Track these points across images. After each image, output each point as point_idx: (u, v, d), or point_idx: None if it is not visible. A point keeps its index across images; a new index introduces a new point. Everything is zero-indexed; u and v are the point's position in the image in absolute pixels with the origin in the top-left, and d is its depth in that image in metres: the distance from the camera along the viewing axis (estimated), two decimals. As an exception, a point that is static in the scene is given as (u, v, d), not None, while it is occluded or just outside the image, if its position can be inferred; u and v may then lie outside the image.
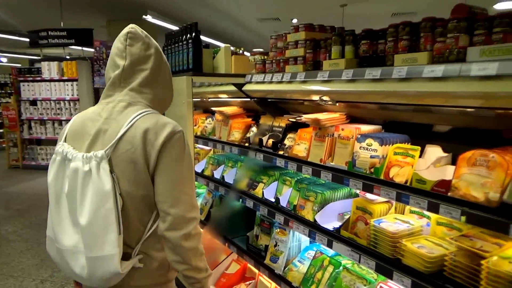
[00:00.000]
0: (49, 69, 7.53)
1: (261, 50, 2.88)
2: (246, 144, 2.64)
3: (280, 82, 2.29)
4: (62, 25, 8.29)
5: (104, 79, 7.29)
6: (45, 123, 7.70)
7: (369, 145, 1.80)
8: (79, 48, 7.95)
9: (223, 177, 2.85)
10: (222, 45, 2.69)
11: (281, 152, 2.35)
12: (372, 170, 1.74)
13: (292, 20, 10.23)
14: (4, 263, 3.61)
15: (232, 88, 2.73)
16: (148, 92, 1.35)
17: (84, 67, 7.41)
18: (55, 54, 9.86)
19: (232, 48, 2.67)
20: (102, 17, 10.04)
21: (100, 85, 7.36)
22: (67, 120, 7.55)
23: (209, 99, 3.67)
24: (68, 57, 7.88)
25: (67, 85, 7.45)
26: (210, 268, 1.37)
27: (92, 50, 7.46)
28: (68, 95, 7.48)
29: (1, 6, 8.44)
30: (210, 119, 3.40)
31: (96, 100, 7.74)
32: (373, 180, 1.66)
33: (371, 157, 1.77)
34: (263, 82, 2.45)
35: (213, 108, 3.21)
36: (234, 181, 2.73)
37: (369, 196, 1.84)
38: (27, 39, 8.12)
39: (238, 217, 2.77)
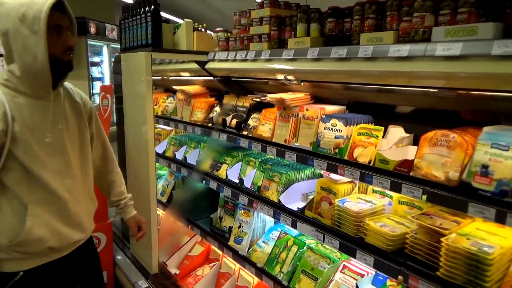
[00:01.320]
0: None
1: (202, 23, 2.78)
2: (209, 125, 2.57)
3: (244, 60, 2.22)
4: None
5: None
6: None
7: (333, 126, 1.79)
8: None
9: (185, 158, 2.77)
10: (180, 21, 2.57)
11: (245, 133, 2.30)
12: (336, 150, 1.74)
13: (256, -2, 10.06)
14: None
15: (194, 66, 2.62)
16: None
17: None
18: None
19: (194, 24, 2.55)
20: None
21: (52, 61, 6.92)
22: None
23: (170, 78, 3.53)
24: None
25: (15, 60, 6.94)
26: (173, 251, 1.51)
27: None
28: (17, 71, 6.98)
29: None
30: (171, 98, 3.28)
31: (48, 78, 7.29)
32: (338, 160, 1.66)
33: (336, 137, 1.76)
34: (226, 60, 2.37)
35: (175, 87, 3.09)
36: (197, 162, 2.66)
37: (333, 176, 1.85)
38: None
39: (201, 199, 2.72)
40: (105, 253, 2.63)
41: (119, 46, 8.88)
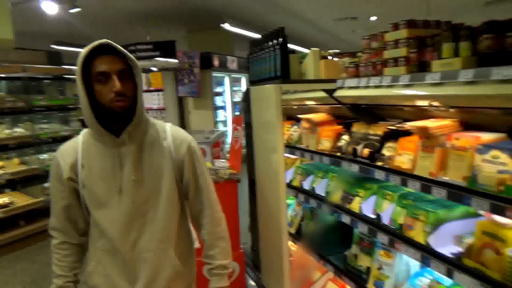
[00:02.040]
0: (138, 81, 8.04)
1: (337, 51, 2.68)
2: (338, 154, 2.46)
3: (378, 86, 2.07)
4: (148, 38, 8.82)
5: (186, 88, 7.57)
6: (135, 131, 8.24)
7: (495, 158, 1.52)
8: (163, 59, 8.38)
9: (313, 188, 2.70)
10: (295, 47, 2.55)
11: (379, 163, 2.13)
12: (501, 188, 1.46)
13: (370, 18, 9.74)
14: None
15: (321, 94, 2.57)
16: None
17: (169, 78, 7.78)
18: (142, 66, 10.57)
19: (320, 52, 2.51)
20: (183, 28, 10.53)
21: (183, 94, 7.67)
22: (154, 128, 7.99)
23: (294, 106, 3.54)
24: (155, 69, 8.38)
25: (153, 95, 7.88)
26: (304, 285, 1.39)
27: (175, 61, 7.80)
28: (155, 104, 7.91)
29: (94, 24, 9.23)
30: (295, 126, 3.27)
31: (180, 108, 8.09)
32: (507, 200, 1.39)
33: (499, 172, 1.49)
34: (357, 87, 2.25)
35: (299, 116, 3.08)
36: (326, 193, 2.57)
37: (498, 218, 1.56)
38: (118, 54, 8.76)
39: (332, 233, 2.60)
40: (238, 283, 2.69)
41: (239, 76, 9.42)
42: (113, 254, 1.40)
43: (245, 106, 2.81)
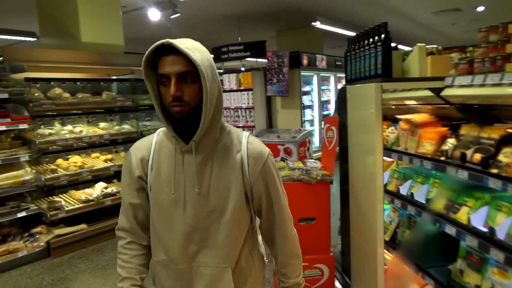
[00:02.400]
0: (229, 81, 8.35)
1: (435, 46, 2.44)
2: (442, 158, 2.25)
3: (499, 84, 1.84)
4: (239, 39, 9.11)
5: (275, 87, 7.65)
6: (225, 129, 8.59)
7: None
8: (253, 59, 8.59)
9: (411, 194, 2.52)
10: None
11: (494, 171, 1.89)
12: None
13: (476, 8, 8.83)
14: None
15: (425, 93, 2.38)
16: None
17: (258, 77, 7.94)
18: (233, 66, 10.98)
19: (427, 48, 2.32)
20: (272, 28, 10.68)
21: (271, 93, 7.76)
22: (244, 127, 8.24)
23: (391, 106, 3.35)
24: (243, 68, 8.64)
25: (243, 94, 8.11)
26: None
27: (264, 60, 7.93)
28: (244, 103, 8.14)
29: (190, 27, 9.81)
30: (392, 127, 3.08)
31: (268, 108, 8.21)
32: None
33: None
34: (470, 85, 2.03)
35: (398, 116, 2.89)
36: (427, 200, 2.37)
37: None
38: (211, 55, 9.21)
39: (432, 244, 2.39)
40: (327, 286, 2.63)
41: (328, 75, 9.24)
42: (169, 265, 1.32)
43: (340, 105, 2.73)
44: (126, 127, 5.32)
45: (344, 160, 2.76)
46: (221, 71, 8.89)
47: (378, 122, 2.23)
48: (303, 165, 2.81)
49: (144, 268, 1.40)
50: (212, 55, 8.28)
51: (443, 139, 2.48)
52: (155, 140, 1.35)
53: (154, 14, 6.97)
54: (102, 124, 5.11)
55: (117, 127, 5.21)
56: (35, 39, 7.60)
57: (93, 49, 5.24)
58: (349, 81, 2.67)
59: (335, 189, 2.84)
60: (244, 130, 1.41)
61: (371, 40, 2.33)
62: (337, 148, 2.80)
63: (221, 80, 8.48)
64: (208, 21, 9.29)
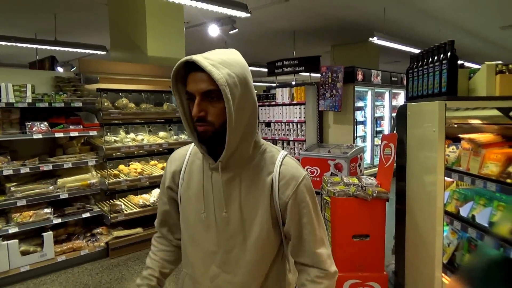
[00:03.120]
0: (282, 94, 8.45)
1: (503, 64, 2.33)
2: (509, 181, 2.15)
3: None
4: (294, 54, 9.22)
5: (328, 102, 7.64)
6: (276, 142, 8.67)
7: None
8: (306, 74, 8.64)
9: (473, 216, 2.42)
10: None
11: None
12: None
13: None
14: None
15: (492, 113, 2.30)
16: None
17: (311, 92, 7.98)
18: (285, 80, 11.10)
19: (497, 66, 2.25)
20: (327, 43, 10.69)
21: (324, 108, 7.75)
22: (294, 141, 8.27)
23: (453, 124, 3.24)
24: (293, 82, 8.71)
25: (295, 108, 8.17)
26: None
27: (318, 75, 7.96)
28: (296, 117, 8.19)
29: (247, 42, 10.08)
30: (453, 146, 2.98)
31: (319, 122, 8.19)
32: None
33: None
34: (543, 106, 1.94)
35: (460, 135, 2.80)
36: (490, 223, 2.27)
37: None
38: (265, 69, 9.40)
39: (496, 269, 2.27)
40: (380, 306, 2.57)
41: (382, 90, 9.06)
42: (194, 281, 1.29)
43: (399, 122, 2.69)
44: (183, 137, 5.56)
45: (401, 178, 2.71)
46: (274, 85, 9.03)
47: (441, 141, 2.18)
48: (358, 181, 2.79)
49: (167, 264, 1.41)
50: (266, 69, 8.40)
51: (509, 160, 2.37)
52: (190, 151, 1.32)
53: (213, 30, 7.28)
54: (161, 134, 5.39)
55: (174, 137, 5.47)
56: (104, 52, 8.22)
57: (157, 63, 5.57)
58: (410, 98, 2.64)
59: (388, 206, 2.79)
60: (282, 149, 1.31)
61: (436, 57, 2.30)
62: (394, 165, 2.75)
63: (274, 94, 8.62)
64: (264, 36, 9.51)
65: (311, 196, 1.23)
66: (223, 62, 1.09)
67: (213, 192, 1.21)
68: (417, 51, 8.68)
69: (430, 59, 2.35)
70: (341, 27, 8.88)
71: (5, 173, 3.76)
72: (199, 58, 1.07)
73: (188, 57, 1.08)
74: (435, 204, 2.25)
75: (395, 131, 2.76)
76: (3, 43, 7.35)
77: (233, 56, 1.14)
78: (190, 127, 1.20)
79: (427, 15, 7.91)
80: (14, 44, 7.47)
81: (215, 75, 1.04)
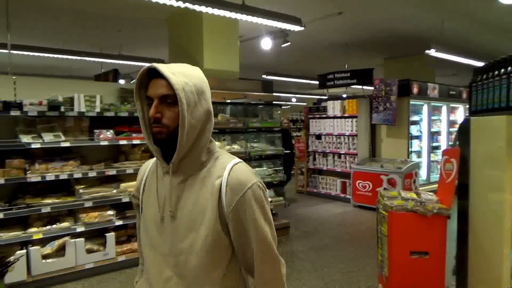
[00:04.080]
0: (333, 107, 8.40)
1: None
2: None
3: None
4: (346, 67, 9.15)
5: (381, 115, 7.48)
6: (326, 155, 8.60)
7: None
8: (359, 86, 8.53)
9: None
10: None
11: None
12: None
13: None
14: (296, 279, 4.13)
15: None
16: None
17: (363, 105, 7.86)
18: (336, 93, 11.02)
19: None
20: (380, 56, 10.49)
21: (377, 121, 7.59)
22: (346, 154, 8.16)
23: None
24: (344, 95, 8.62)
25: (347, 121, 8.08)
26: None
27: (371, 88, 7.83)
28: (347, 130, 8.09)
29: (298, 55, 10.15)
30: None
31: (372, 136, 8.02)
32: None
33: None
34: None
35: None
36: None
37: None
38: (316, 82, 9.40)
39: None
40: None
41: (439, 104, 8.71)
42: (150, 285, 1.30)
43: (461, 137, 2.60)
44: (236, 147, 5.70)
45: (463, 196, 2.60)
46: (325, 97, 8.99)
47: (509, 158, 2.08)
48: (417, 196, 2.72)
49: None
50: (317, 82, 8.40)
51: None
52: (155, 161, 1.35)
53: (266, 43, 7.43)
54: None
55: (227, 147, 5.62)
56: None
57: (213, 75, 5.80)
58: (474, 112, 2.54)
59: (448, 224, 2.69)
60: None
61: (502, 70, 2.21)
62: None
63: (325, 106, 8.58)
64: (316, 48, 9.53)
65: (259, 204, 1.20)
66: (182, 73, 1.18)
67: (165, 195, 1.25)
68: (477, 63, 8.29)
69: (496, 72, 2.26)
70: (395, 40, 8.69)
71: (75, 176, 4.08)
72: (160, 66, 1.17)
73: (150, 65, 1.18)
74: (502, 225, 2.15)
75: (456, 146, 2.66)
76: (74, 57, 8.00)
77: (193, 70, 1.24)
78: (147, 131, 1.26)
79: (488, 26, 7.54)
80: (83, 58, 8.10)
81: (173, 81, 1.14)
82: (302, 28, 5.49)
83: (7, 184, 3.72)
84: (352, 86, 8.49)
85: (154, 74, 1.19)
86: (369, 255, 4.71)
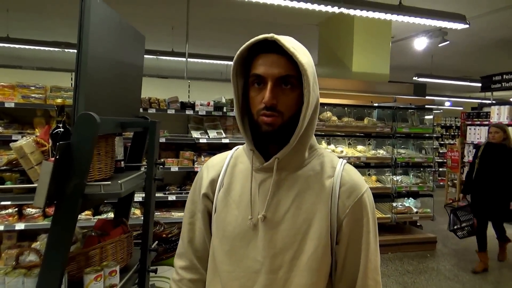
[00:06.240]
0: (499, 113, 7.33)
1: None
2: None
3: None
4: (517, 67, 7.90)
5: None
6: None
7: None
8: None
9: None
10: None
11: None
12: None
13: None
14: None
15: None
16: None
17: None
18: (501, 96, 9.58)
19: None
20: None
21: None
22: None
23: None
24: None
25: (516, 130, 6.97)
26: None
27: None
28: (515, 141, 6.98)
29: (456, 54, 9.18)
30: None
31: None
32: None
33: None
34: None
35: None
36: None
37: None
38: (477, 84, 8.35)
39: None
40: None
41: None
42: None
43: None
44: (381, 152, 5.53)
45: None
46: (488, 102, 7.92)
47: None
48: None
49: None
50: (480, 84, 7.53)
51: None
52: (231, 155, 1.14)
53: (421, 43, 6.96)
54: (359, 147, 5.51)
55: (372, 152, 5.50)
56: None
57: (361, 78, 5.73)
58: None
59: None
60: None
61: None
62: None
63: (487, 112, 7.57)
64: (478, 47, 8.48)
65: (373, 213, 1.04)
66: (300, 49, 0.96)
67: (260, 196, 1.02)
68: None
69: None
70: None
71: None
72: (282, 38, 0.93)
73: (267, 35, 0.94)
74: None
75: None
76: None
77: (304, 47, 0.99)
78: (241, 119, 1.04)
79: None
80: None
81: (300, 59, 0.92)
82: (467, 26, 4.98)
83: (180, 171, 4.41)
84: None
85: (263, 48, 0.96)
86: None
